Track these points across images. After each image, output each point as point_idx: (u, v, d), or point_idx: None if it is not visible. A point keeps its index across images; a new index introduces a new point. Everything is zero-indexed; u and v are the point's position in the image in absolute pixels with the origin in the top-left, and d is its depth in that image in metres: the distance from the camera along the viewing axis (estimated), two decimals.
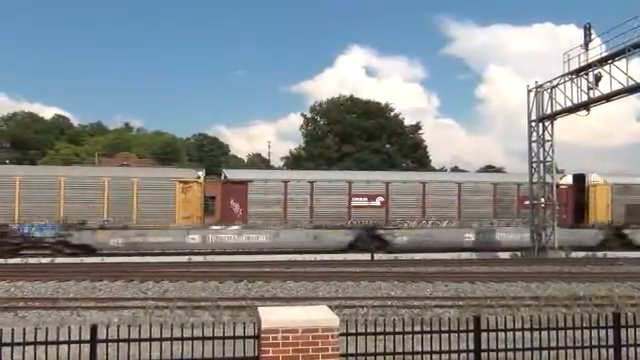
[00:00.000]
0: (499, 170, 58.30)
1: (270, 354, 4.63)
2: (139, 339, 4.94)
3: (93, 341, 4.89)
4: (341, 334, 4.86)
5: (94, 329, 4.90)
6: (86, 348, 4.91)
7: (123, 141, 70.41)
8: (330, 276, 16.88)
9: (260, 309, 5.12)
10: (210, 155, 74.48)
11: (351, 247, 26.50)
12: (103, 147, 64.30)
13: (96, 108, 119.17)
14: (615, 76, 21.87)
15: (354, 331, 5.16)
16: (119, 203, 26.20)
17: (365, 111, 58.19)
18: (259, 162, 73.19)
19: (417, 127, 62.36)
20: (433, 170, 56.83)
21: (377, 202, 29.33)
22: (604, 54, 22.38)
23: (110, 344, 4.92)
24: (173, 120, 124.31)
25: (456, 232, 28.42)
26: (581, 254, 25.89)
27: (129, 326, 5.12)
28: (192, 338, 4.95)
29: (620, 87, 21.74)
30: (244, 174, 32.67)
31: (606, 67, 22.22)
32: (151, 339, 4.91)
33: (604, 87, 22.40)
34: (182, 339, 4.92)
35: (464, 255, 25.41)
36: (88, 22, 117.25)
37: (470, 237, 28.01)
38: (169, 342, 4.98)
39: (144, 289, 15.04)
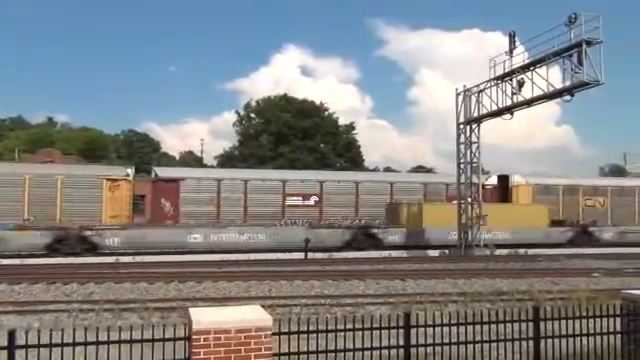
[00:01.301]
0: (429, 170, 60.12)
1: (201, 356, 4.54)
2: (62, 344, 4.70)
3: (11, 347, 4.61)
4: (274, 333, 4.84)
5: (12, 334, 4.62)
6: (3, 355, 4.63)
7: (46, 136, 66.94)
8: (264, 275, 16.81)
9: (191, 310, 5.02)
10: (140, 152, 72.21)
11: (51, 250, 23.42)
12: (24, 143, 60.86)
13: (16, 101, 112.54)
14: (536, 82, 23.08)
15: (287, 330, 5.16)
16: (42, 202, 24.99)
17: (300, 110, 58.37)
18: (191, 160, 71.70)
19: (351, 127, 63.27)
20: (366, 170, 57.85)
21: (311, 201, 29.53)
22: (527, 61, 23.55)
23: (30, 350, 4.66)
24: (101, 116, 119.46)
25: (178, 233, 25.84)
26: (504, 251, 27.15)
27: (51, 330, 4.86)
28: (119, 341, 4.77)
29: (541, 93, 22.95)
30: (176, 172, 32.02)
31: (528, 73, 23.39)
32: (75, 344, 4.69)
33: (526, 92, 23.58)
34: (108, 342, 4.74)
35: (395, 253, 26.02)
36: (7, 10, 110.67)
37: (197, 238, 25.58)
38: (94, 346, 4.78)
39: (67, 292, 14.37)
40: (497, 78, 24.87)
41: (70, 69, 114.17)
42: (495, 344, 5.84)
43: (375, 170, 62.18)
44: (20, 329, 5.61)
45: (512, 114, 24.89)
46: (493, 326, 5.83)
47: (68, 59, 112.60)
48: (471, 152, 26.99)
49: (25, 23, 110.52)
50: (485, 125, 27.09)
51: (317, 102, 61.34)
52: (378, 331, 5.45)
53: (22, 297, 13.65)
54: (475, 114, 26.49)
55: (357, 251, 25.75)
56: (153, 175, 29.43)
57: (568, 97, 22.15)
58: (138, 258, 22.66)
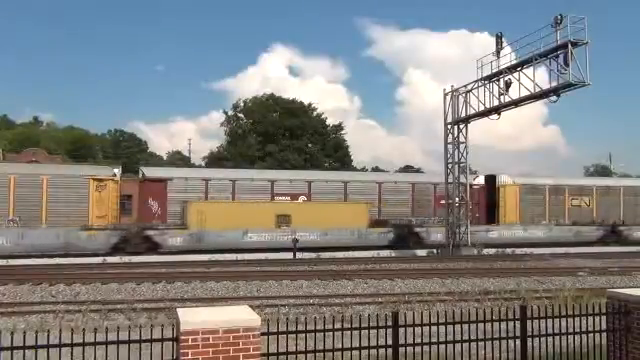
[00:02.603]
0: (417, 170, 60.32)
1: (189, 356, 4.52)
2: (47, 345, 4.65)
3: None
4: (262, 334, 4.82)
5: None
6: None
7: (32, 136, 66.15)
8: (252, 275, 16.78)
9: (179, 310, 4.98)
10: (127, 152, 71.58)
11: None
12: (9, 142, 60.16)
13: (1, 100, 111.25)
14: (523, 83, 23.26)
15: (275, 330, 5.15)
16: (27, 202, 24.68)
17: (288, 110, 58.23)
18: (179, 160, 71.25)
19: (339, 127, 63.24)
20: (354, 169, 57.88)
21: (300, 201, 29.46)
22: (514, 62, 23.72)
23: (15, 351, 4.61)
24: (88, 115, 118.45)
25: None
26: (492, 251, 27.31)
27: (36, 332, 4.81)
28: (106, 342, 4.73)
29: (527, 93, 23.12)
30: (163, 172, 31.76)
31: (515, 74, 23.56)
32: (61, 345, 4.64)
33: (514, 93, 23.75)
34: (95, 344, 4.69)
35: (383, 253, 26.08)
36: None
37: None
38: (81, 347, 4.73)
39: (54, 292, 14.25)
40: (484, 78, 25.03)
41: (57, 68, 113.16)
42: (482, 343, 5.87)
43: (363, 170, 62.24)
44: (5, 330, 5.54)
45: (499, 114, 25.07)
46: (480, 325, 5.85)
47: (54, 58, 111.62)
48: (459, 152, 27.14)
49: (10, 21, 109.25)
50: (473, 125, 27.28)
51: (305, 102, 61.29)
52: (366, 331, 5.46)
53: (7, 299, 13.52)
54: (463, 114, 26.64)
55: (132, 255, 23.43)
56: (140, 175, 29.17)
57: (554, 98, 22.33)
58: (125, 258, 22.53)
